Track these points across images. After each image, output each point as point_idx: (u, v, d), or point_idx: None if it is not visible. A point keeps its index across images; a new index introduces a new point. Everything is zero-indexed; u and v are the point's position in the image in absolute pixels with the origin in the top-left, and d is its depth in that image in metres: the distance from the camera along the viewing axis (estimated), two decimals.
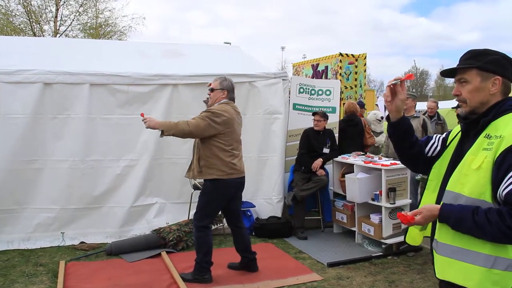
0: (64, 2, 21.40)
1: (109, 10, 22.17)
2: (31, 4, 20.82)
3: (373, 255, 5.37)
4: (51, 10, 21.40)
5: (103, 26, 22.41)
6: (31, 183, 5.61)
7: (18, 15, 21.08)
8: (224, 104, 4.50)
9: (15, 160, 5.48)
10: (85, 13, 22.00)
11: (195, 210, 4.60)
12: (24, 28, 21.09)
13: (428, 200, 2.16)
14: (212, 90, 4.58)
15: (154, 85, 5.94)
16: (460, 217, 1.86)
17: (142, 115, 4.26)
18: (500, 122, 1.91)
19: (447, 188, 1.99)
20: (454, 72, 2.07)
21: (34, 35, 20.63)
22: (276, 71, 6.74)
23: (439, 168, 2.17)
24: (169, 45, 7.97)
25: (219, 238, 5.92)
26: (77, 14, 21.74)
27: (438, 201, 2.05)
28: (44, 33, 21.28)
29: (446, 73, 2.12)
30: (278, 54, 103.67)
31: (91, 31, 21.96)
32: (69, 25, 21.84)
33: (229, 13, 78.45)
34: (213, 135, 4.32)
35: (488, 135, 1.89)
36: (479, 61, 1.98)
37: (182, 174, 5.95)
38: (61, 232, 5.68)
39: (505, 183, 1.77)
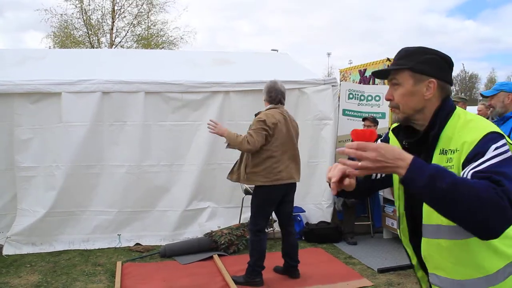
0: (120, 15, 22.23)
1: (162, 23, 22.84)
2: (90, 18, 21.82)
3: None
4: (108, 23, 22.35)
5: (155, 37, 23.07)
6: (90, 187, 5.89)
7: (78, 28, 22.15)
8: (271, 109, 4.61)
9: (75, 166, 5.76)
10: (139, 25, 22.77)
11: (248, 214, 4.71)
12: (83, 41, 22.09)
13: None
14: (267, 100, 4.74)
15: (206, 93, 6.11)
16: (438, 173, 1.37)
17: (211, 121, 4.49)
18: (448, 131, 1.64)
19: (424, 223, 1.67)
20: (387, 73, 1.80)
21: (92, 47, 21.58)
22: (326, 77, 6.77)
23: (397, 193, 1.85)
24: (218, 54, 8.15)
25: (269, 243, 5.98)
26: (131, 26, 22.53)
27: (413, 237, 1.80)
28: (101, 45, 22.21)
29: (378, 74, 1.85)
30: (323, 60, 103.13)
31: (144, 41, 22.65)
32: (124, 37, 22.68)
33: (275, 21, 78.76)
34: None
35: (443, 150, 1.62)
36: (412, 61, 1.69)
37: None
38: (118, 234, 5.92)
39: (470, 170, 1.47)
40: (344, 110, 7.04)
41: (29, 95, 5.71)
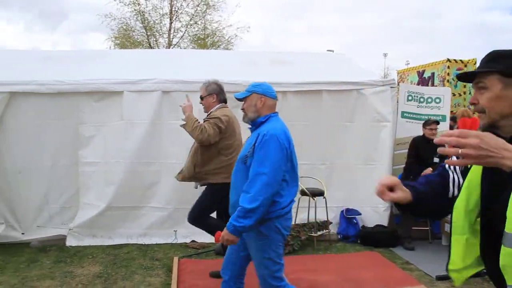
0: (177, 16, 22.73)
1: (216, 21, 23.14)
2: (148, 20, 22.45)
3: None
4: (165, 24, 22.91)
5: (211, 37, 23.41)
6: (149, 184, 6.04)
7: (137, 30, 22.86)
8: (222, 108, 4.64)
9: (135, 162, 5.93)
10: (196, 24, 23.18)
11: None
12: (141, 41, 22.76)
13: (463, 247, 1.71)
14: (202, 98, 4.71)
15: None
16: None
17: (187, 96, 4.67)
18: None
19: (507, 230, 1.50)
20: (472, 75, 1.70)
21: (151, 47, 22.19)
22: (384, 79, 6.66)
23: (464, 206, 1.70)
24: (275, 54, 8.17)
25: (324, 245, 5.96)
26: (188, 27, 22.97)
27: (484, 246, 1.67)
28: (159, 46, 22.79)
29: (463, 77, 1.75)
30: (379, 60, 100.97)
31: (200, 41, 23.04)
32: (181, 37, 23.15)
33: (329, 21, 78.06)
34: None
35: None
36: (502, 64, 1.59)
37: None
38: (174, 230, 6.03)
39: None
40: (402, 112, 6.89)
41: (93, 93, 5.94)
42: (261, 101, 3.26)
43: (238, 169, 3.23)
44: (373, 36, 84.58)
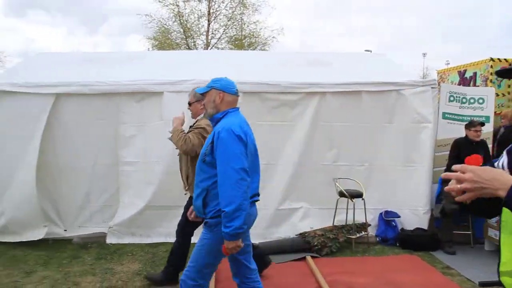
0: (215, 18, 22.92)
1: (254, 23, 23.20)
2: (186, 21, 22.73)
3: None
4: (203, 25, 23.14)
5: (248, 38, 23.49)
6: None
7: (175, 31, 23.18)
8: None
9: (173, 163, 5.86)
10: (234, 26, 23.31)
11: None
12: (179, 43, 23.07)
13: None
14: (190, 104, 4.61)
15: (303, 93, 6.11)
16: None
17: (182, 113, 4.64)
18: None
19: None
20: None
21: (189, 48, 22.45)
22: (424, 79, 6.53)
23: None
24: (312, 54, 8.13)
25: (362, 247, 5.89)
26: (226, 28, 23.13)
27: None
28: (197, 47, 23.03)
29: (503, 73, 1.73)
30: (417, 60, 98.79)
31: (237, 42, 23.15)
32: (219, 38, 23.33)
33: (365, 21, 76.89)
34: None
35: None
36: None
37: (326, 180, 6.09)
38: None
39: None
40: (444, 113, 6.73)
41: (133, 94, 6.05)
42: (219, 96, 3.22)
43: (198, 167, 3.19)
44: (410, 36, 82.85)
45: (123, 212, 6.09)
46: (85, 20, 49.95)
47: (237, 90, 3.35)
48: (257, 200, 3.36)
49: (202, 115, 4.54)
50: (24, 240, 5.78)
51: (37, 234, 5.83)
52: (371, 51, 14.84)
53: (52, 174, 6.07)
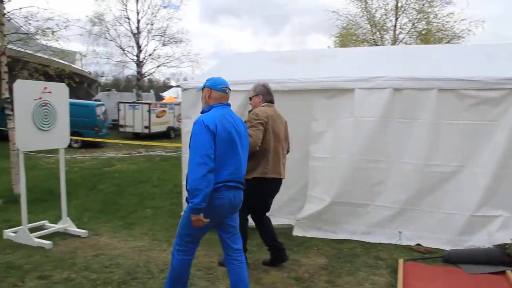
0: (404, 11, 22.08)
1: (447, 15, 21.65)
2: (373, 16, 22.38)
3: None
4: (391, 19, 22.47)
5: (436, 32, 22.03)
6: (375, 182, 6.00)
7: (362, 27, 22.96)
8: (263, 106, 4.90)
9: (363, 159, 5.96)
10: (423, 20, 22.14)
11: None
12: (366, 38, 22.78)
13: None
14: (250, 99, 5.11)
15: (506, 90, 5.53)
16: None
17: None
18: None
19: None
20: None
21: (376, 44, 22.05)
22: None
23: None
24: None
25: None
26: (415, 22, 22.11)
27: None
28: (384, 42, 22.47)
29: None
30: None
31: (423, 37, 21.93)
32: (407, 33, 22.41)
33: None
34: None
35: None
36: None
37: None
38: (399, 232, 5.89)
39: None
40: None
41: (325, 91, 6.14)
42: (208, 93, 3.74)
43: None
44: None
45: (310, 206, 6.24)
46: (268, 22, 52.51)
47: (225, 87, 3.76)
48: (234, 186, 3.62)
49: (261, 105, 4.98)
50: None
51: None
52: None
53: None
